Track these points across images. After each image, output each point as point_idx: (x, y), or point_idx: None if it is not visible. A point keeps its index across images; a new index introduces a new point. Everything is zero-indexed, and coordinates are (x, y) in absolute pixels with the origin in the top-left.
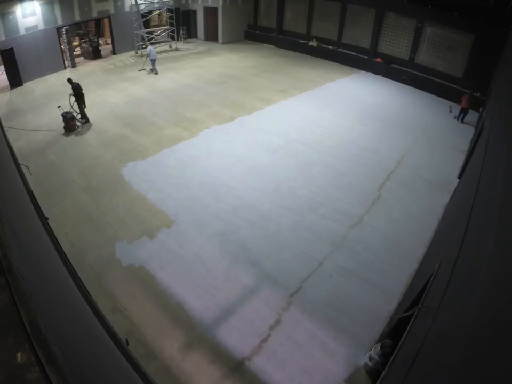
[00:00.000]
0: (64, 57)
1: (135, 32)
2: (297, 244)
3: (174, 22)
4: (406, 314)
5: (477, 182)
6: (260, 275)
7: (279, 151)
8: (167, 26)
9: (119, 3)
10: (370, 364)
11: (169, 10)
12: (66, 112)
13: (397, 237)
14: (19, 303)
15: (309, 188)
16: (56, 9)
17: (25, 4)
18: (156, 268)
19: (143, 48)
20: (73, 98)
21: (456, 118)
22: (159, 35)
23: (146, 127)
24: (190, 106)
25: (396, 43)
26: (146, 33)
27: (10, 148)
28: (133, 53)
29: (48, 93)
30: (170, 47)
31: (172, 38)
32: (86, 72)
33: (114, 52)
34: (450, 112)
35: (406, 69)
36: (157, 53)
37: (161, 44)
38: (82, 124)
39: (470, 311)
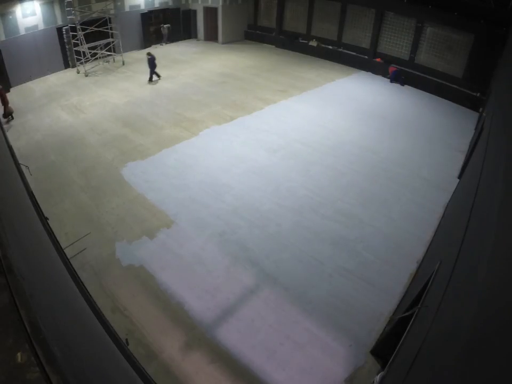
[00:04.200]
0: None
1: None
2: (297, 244)
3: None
4: (406, 314)
5: (477, 182)
6: (260, 275)
7: (279, 151)
8: (110, 39)
9: (119, 3)
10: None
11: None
12: None
13: (397, 237)
14: (19, 303)
15: (309, 188)
16: (56, 9)
17: (25, 4)
18: (155, 268)
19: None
20: None
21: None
22: (102, 48)
23: (146, 127)
24: (190, 106)
25: (395, 43)
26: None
27: (10, 148)
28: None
29: (48, 93)
30: (108, 62)
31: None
32: (86, 71)
33: (114, 51)
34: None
35: (406, 69)
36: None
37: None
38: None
39: (470, 311)
